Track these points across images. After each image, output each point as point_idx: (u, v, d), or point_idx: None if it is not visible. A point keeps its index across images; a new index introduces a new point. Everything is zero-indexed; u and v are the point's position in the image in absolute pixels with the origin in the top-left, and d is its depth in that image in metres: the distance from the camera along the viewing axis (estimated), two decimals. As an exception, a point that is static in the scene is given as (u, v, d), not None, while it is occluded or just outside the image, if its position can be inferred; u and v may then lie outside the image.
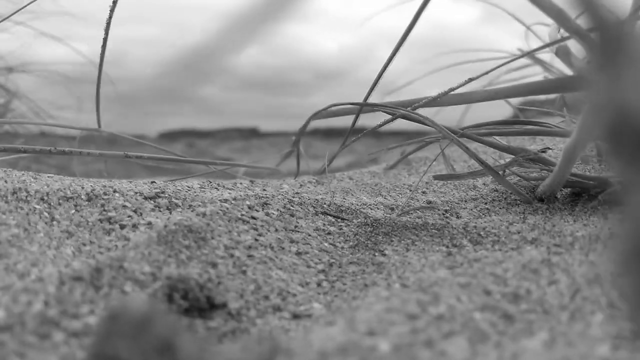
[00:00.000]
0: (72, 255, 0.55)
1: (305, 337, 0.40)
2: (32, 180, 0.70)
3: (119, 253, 0.51)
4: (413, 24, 0.71)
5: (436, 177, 0.81)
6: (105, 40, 0.82)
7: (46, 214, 0.62)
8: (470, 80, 0.72)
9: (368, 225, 0.69)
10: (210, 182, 0.86)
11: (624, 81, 0.24)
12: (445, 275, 0.51)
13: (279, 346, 0.38)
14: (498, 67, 0.73)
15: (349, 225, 0.69)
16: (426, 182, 0.95)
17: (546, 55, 1.33)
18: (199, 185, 0.81)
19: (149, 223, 0.62)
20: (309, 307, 0.50)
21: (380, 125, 0.79)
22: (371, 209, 0.76)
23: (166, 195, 0.70)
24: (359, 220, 0.70)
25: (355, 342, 0.37)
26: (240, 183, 0.90)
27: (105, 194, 0.68)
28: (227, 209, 0.65)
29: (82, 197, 0.67)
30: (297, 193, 0.79)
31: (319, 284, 0.56)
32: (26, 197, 0.63)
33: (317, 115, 0.86)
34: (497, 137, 0.79)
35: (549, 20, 0.72)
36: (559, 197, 0.74)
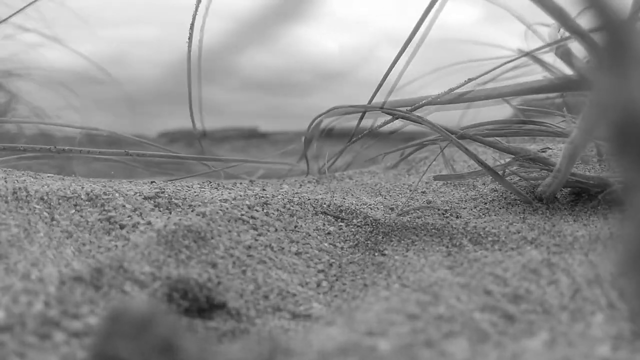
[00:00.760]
0: (72, 255, 0.55)
1: (304, 337, 0.40)
2: (32, 180, 0.70)
3: (119, 253, 0.51)
4: (419, 26, 0.72)
5: (436, 178, 0.81)
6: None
7: (46, 214, 0.62)
8: (470, 80, 0.72)
9: (368, 225, 0.69)
10: (210, 182, 0.86)
11: (628, 81, 0.24)
12: (445, 275, 0.51)
13: (278, 346, 0.38)
14: (498, 67, 0.73)
15: (348, 225, 0.70)
16: (426, 182, 0.95)
17: (547, 57, 1.33)
18: (199, 185, 0.81)
19: (149, 223, 0.62)
20: (309, 307, 0.50)
21: (380, 127, 0.79)
22: (371, 209, 0.76)
23: (166, 195, 0.70)
24: (359, 220, 0.70)
25: (354, 342, 0.37)
26: (240, 183, 0.90)
27: (105, 193, 0.68)
28: (227, 208, 0.65)
29: (82, 197, 0.67)
30: (297, 193, 0.79)
31: (318, 284, 0.56)
32: (26, 197, 0.63)
33: (327, 113, 0.85)
34: (497, 138, 0.79)
35: (550, 20, 0.72)
36: (559, 197, 0.74)
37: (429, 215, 0.73)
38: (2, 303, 0.40)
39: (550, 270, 0.48)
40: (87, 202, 0.66)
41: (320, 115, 0.85)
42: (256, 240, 0.61)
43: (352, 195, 0.86)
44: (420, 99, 0.75)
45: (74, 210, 0.64)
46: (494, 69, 0.73)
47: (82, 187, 0.69)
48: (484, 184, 0.88)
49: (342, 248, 0.64)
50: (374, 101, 0.79)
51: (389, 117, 0.78)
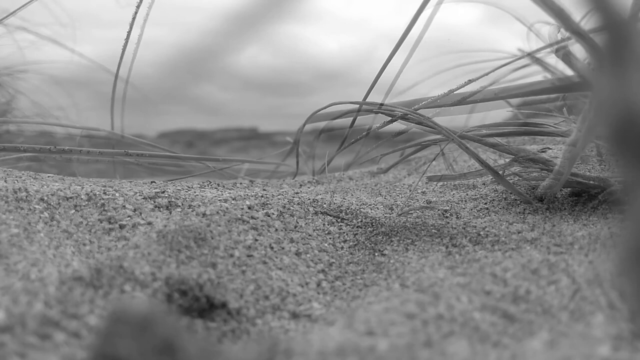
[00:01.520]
0: (72, 256, 0.55)
1: (304, 337, 0.40)
2: (32, 180, 0.70)
3: (119, 253, 0.51)
4: (411, 25, 0.71)
5: (430, 179, 0.81)
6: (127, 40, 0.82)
7: (46, 214, 0.62)
8: (470, 82, 0.72)
9: (368, 225, 0.69)
10: (210, 182, 0.86)
11: (628, 81, 0.24)
12: (445, 275, 0.51)
13: (278, 346, 0.38)
14: (498, 68, 0.73)
15: (348, 225, 0.70)
16: (426, 182, 0.95)
17: (548, 58, 1.33)
18: (199, 185, 0.81)
19: (149, 223, 0.62)
20: (309, 307, 0.50)
21: (380, 127, 0.79)
22: (371, 208, 0.76)
23: (166, 195, 0.70)
24: (359, 220, 0.70)
25: (354, 342, 0.37)
26: (240, 183, 0.90)
27: (105, 194, 0.68)
28: (227, 209, 0.65)
29: (82, 197, 0.67)
30: (296, 193, 0.79)
31: (318, 284, 0.56)
32: (26, 197, 0.63)
33: (317, 116, 0.86)
34: (497, 138, 0.79)
35: (551, 20, 0.72)
36: (559, 197, 0.74)
37: (429, 215, 0.73)
38: (2, 303, 0.40)
39: (550, 270, 0.48)
40: (87, 203, 0.66)
41: (317, 111, 0.85)
42: (256, 240, 0.61)
43: (352, 195, 0.86)
44: (421, 100, 0.75)
45: (74, 211, 0.64)
46: (494, 70, 0.73)
47: (82, 188, 0.69)
48: (484, 184, 0.88)
49: (342, 248, 0.64)
50: (372, 102, 0.79)
51: (388, 118, 0.78)
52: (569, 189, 0.75)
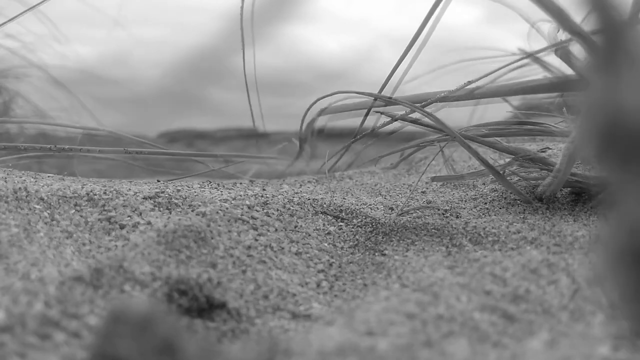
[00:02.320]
0: (72, 255, 0.55)
1: (304, 337, 0.40)
2: (32, 180, 0.70)
3: (119, 253, 0.51)
4: (424, 26, 0.71)
5: (434, 179, 0.81)
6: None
7: (46, 214, 0.62)
8: (470, 83, 0.72)
9: (368, 225, 0.69)
10: (210, 182, 0.86)
11: (619, 82, 0.24)
12: (445, 275, 0.51)
13: (278, 346, 0.38)
14: (499, 69, 0.73)
15: (348, 225, 0.70)
16: (426, 182, 0.95)
17: (549, 57, 1.33)
18: (199, 185, 0.81)
19: (149, 223, 0.62)
20: (309, 307, 0.50)
21: (382, 126, 0.79)
22: (371, 209, 0.76)
23: (166, 195, 0.70)
24: (359, 220, 0.70)
25: (354, 342, 0.37)
26: (240, 183, 0.90)
27: (105, 193, 0.68)
28: (227, 208, 0.65)
29: (82, 197, 0.67)
30: (297, 193, 0.79)
31: (318, 284, 0.56)
32: (26, 197, 0.63)
33: (329, 109, 0.85)
34: (496, 138, 0.79)
35: (550, 20, 0.72)
36: (559, 197, 0.74)
37: (429, 215, 0.73)
38: (2, 303, 0.40)
39: (550, 270, 0.48)
40: (87, 202, 0.66)
41: (321, 98, 0.84)
42: (256, 240, 0.61)
43: (352, 195, 0.86)
44: (428, 96, 0.75)
45: (74, 210, 0.64)
46: (495, 70, 0.73)
47: (82, 187, 0.69)
48: (484, 184, 0.88)
49: (342, 248, 0.64)
50: (371, 93, 0.79)
51: (388, 118, 0.78)
52: (569, 189, 0.75)
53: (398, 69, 0.75)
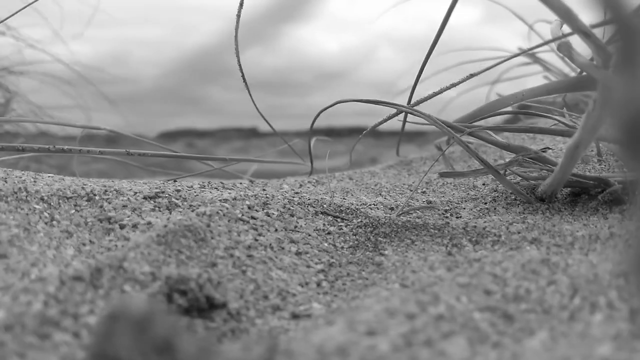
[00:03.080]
0: (72, 255, 0.55)
1: (304, 337, 0.40)
2: (32, 180, 0.70)
3: (119, 253, 0.51)
4: (441, 30, 0.72)
5: (442, 175, 0.81)
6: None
7: (46, 214, 0.62)
8: (472, 76, 0.72)
9: (368, 225, 0.69)
10: (210, 182, 0.86)
11: (638, 79, 0.24)
12: (445, 275, 0.51)
13: (278, 346, 0.38)
14: (498, 63, 0.73)
15: (348, 225, 0.70)
16: (426, 182, 0.95)
17: (547, 55, 1.33)
18: (199, 185, 0.81)
19: (149, 223, 0.62)
20: (309, 307, 0.50)
21: (381, 123, 0.79)
22: (371, 209, 0.76)
23: (166, 195, 0.70)
24: (359, 220, 0.70)
25: (354, 342, 0.37)
26: (240, 183, 0.90)
27: (105, 193, 0.68)
28: (227, 209, 0.65)
29: (82, 197, 0.67)
30: (297, 193, 0.79)
31: (318, 284, 0.56)
32: (26, 197, 0.63)
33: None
34: (496, 137, 0.79)
35: (550, 20, 0.72)
36: (559, 197, 0.74)
37: (429, 215, 0.73)
38: (2, 303, 0.40)
39: (550, 270, 0.48)
40: (87, 202, 0.66)
41: (325, 109, 0.84)
42: (256, 240, 0.61)
43: (352, 195, 0.86)
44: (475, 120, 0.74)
45: (74, 211, 0.64)
46: (494, 65, 0.73)
47: (82, 187, 0.69)
48: (484, 184, 0.88)
49: (342, 248, 0.64)
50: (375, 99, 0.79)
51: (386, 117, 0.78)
52: (569, 189, 0.75)
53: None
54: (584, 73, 0.66)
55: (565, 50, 0.63)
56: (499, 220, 0.67)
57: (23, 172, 0.78)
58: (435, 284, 0.48)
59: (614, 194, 0.70)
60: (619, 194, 0.69)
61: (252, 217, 0.65)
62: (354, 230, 0.68)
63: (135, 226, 0.62)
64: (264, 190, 0.80)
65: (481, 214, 0.73)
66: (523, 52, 0.83)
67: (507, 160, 0.78)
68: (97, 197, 0.67)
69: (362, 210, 0.74)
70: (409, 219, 0.70)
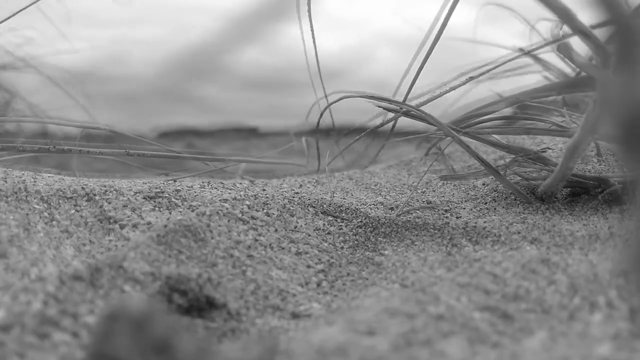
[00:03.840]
0: (71, 255, 0.55)
1: (304, 337, 0.40)
2: (32, 180, 0.70)
3: (118, 253, 0.51)
4: (441, 31, 0.72)
5: (441, 178, 0.81)
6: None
7: (46, 214, 0.62)
8: (471, 79, 0.72)
9: (368, 225, 0.69)
10: (210, 182, 0.86)
11: (637, 78, 0.24)
12: (445, 275, 0.51)
13: (278, 346, 0.38)
14: (498, 65, 0.73)
15: (348, 225, 0.69)
16: (426, 182, 0.95)
17: (547, 55, 1.33)
18: (199, 185, 0.81)
19: (149, 223, 0.62)
20: (309, 307, 0.50)
21: (382, 125, 0.79)
22: (371, 209, 0.76)
23: (166, 195, 0.70)
24: (359, 220, 0.70)
25: (354, 342, 0.37)
26: (240, 183, 0.90)
27: (105, 193, 0.68)
28: (227, 209, 0.65)
29: (82, 197, 0.67)
30: (297, 193, 0.79)
31: (318, 284, 0.56)
32: (26, 197, 0.63)
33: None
34: (496, 137, 0.79)
35: (549, 19, 0.72)
36: (559, 197, 0.74)
37: (429, 215, 0.73)
38: (2, 302, 0.40)
39: (550, 270, 0.48)
40: (87, 202, 0.66)
41: (331, 104, 0.84)
42: (256, 240, 0.61)
43: (352, 195, 0.86)
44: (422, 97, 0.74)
45: (74, 210, 0.64)
46: (494, 67, 0.73)
47: (82, 187, 0.69)
48: (484, 184, 0.88)
49: (342, 248, 0.64)
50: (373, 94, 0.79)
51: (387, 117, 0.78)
52: (569, 189, 0.75)
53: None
54: (584, 73, 0.66)
55: (565, 51, 0.63)
56: (499, 220, 0.67)
57: (23, 172, 0.78)
58: (435, 284, 0.48)
59: (614, 193, 0.70)
60: (619, 193, 0.69)
61: (252, 217, 0.65)
62: (354, 230, 0.68)
63: (135, 226, 0.62)
64: (264, 190, 0.80)
65: (481, 214, 0.73)
66: (523, 54, 0.83)
67: (507, 160, 0.78)
68: (97, 197, 0.67)
69: (362, 210, 0.74)
70: (409, 219, 0.70)
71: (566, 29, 0.62)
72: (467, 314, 0.41)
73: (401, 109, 0.74)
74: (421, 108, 0.74)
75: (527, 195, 0.74)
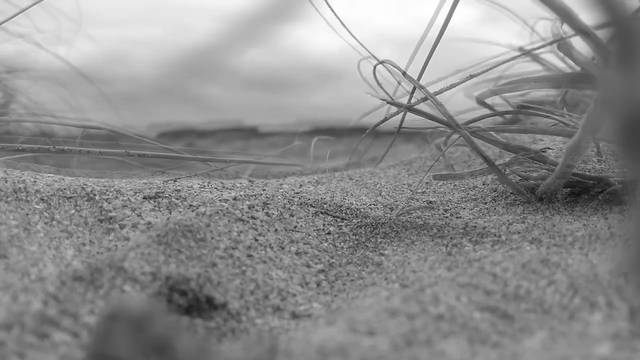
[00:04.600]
0: (72, 255, 0.55)
1: (305, 337, 0.40)
2: (32, 180, 0.70)
3: (119, 253, 0.51)
4: (444, 29, 0.72)
5: (435, 177, 0.81)
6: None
7: (46, 214, 0.62)
8: (472, 77, 0.72)
9: (368, 225, 0.69)
10: (210, 182, 0.86)
11: (636, 78, 0.24)
12: (445, 275, 0.51)
13: (278, 346, 0.38)
14: (497, 65, 0.73)
15: (348, 225, 0.69)
16: (426, 182, 0.95)
17: (547, 55, 1.33)
18: (199, 185, 0.81)
19: (149, 223, 0.62)
20: (309, 307, 0.50)
21: (385, 120, 0.79)
22: (371, 208, 0.76)
23: (166, 195, 0.70)
24: (359, 220, 0.70)
25: (354, 342, 0.37)
26: (240, 183, 0.90)
27: (105, 193, 0.68)
28: (227, 209, 0.65)
29: (82, 197, 0.67)
30: (297, 193, 0.79)
31: (318, 284, 0.56)
32: (26, 197, 0.63)
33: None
34: (496, 136, 0.79)
35: (549, 19, 0.72)
36: (559, 197, 0.74)
37: (429, 215, 0.73)
38: (2, 302, 0.40)
39: (550, 270, 0.48)
40: (87, 202, 0.66)
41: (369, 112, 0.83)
42: (256, 240, 0.61)
43: (352, 195, 0.86)
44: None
45: (74, 210, 0.64)
46: (494, 67, 0.73)
47: (82, 187, 0.69)
48: (484, 184, 0.88)
49: (342, 248, 0.64)
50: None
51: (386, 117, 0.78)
52: (569, 189, 0.75)
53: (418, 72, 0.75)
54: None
55: (566, 49, 0.63)
56: (499, 220, 0.67)
57: (23, 172, 0.78)
58: (435, 284, 0.48)
59: (614, 193, 0.70)
60: (619, 193, 0.69)
61: (252, 217, 0.65)
62: (354, 230, 0.68)
63: (135, 226, 0.62)
64: (264, 190, 0.80)
65: (481, 214, 0.73)
66: (523, 53, 0.83)
67: (507, 159, 0.78)
68: (97, 197, 0.67)
69: (362, 210, 0.74)
70: (409, 219, 0.70)
71: (566, 28, 0.62)
72: (467, 314, 0.41)
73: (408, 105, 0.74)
74: (421, 107, 0.74)
75: (527, 195, 0.74)
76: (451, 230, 0.65)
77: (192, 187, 0.78)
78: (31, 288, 0.42)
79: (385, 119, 0.79)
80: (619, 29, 0.24)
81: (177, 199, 0.69)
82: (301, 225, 0.67)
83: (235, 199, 0.69)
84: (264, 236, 0.62)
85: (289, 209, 0.70)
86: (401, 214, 0.73)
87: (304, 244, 0.63)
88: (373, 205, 0.78)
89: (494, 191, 0.82)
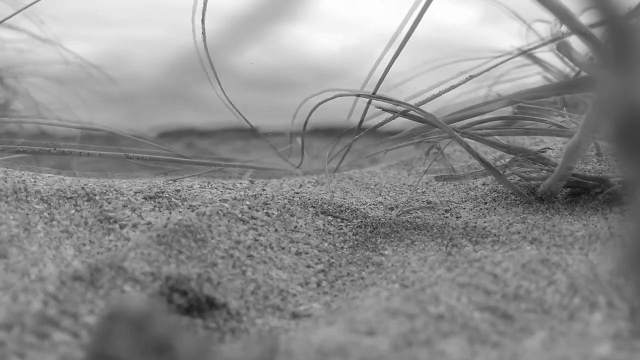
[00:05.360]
0: (72, 255, 0.55)
1: (304, 337, 0.40)
2: (32, 180, 0.70)
3: (119, 253, 0.51)
4: (416, 25, 0.71)
5: (437, 179, 0.81)
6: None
7: (46, 214, 0.62)
8: (471, 77, 0.72)
9: (368, 225, 0.69)
10: (210, 183, 0.86)
11: (632, 79, 0.24)
12: (445, 275, 0.51)
13: (278, 346, 0.38)
14: (497, 65, 0.73)
15: (348, 225, 0.69)
16: (426, 182, 0.95)
17: (546, 55, 1.33)
18: (199, 185, 0.81)
19: (149, 223, 0.62)
20: (309, 307, 0.50)
21: (382, 124, 0.79)
22: (371, 209, 0.76)
23: (166, 195, 0.70)
24: (359, 220, 0.70)
25: (354, 342, 0.37)
26: (240, 183, 0.90)
27: (105, 193, 0.68)
28: (227, 209, 0.65)
29: (82, 197, 0.67)
30: (297, 193, 0.79)
31: (318, 284, 0.56)
32: (26, 197, 0.63)
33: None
34: (496, 137, 0.79)
35: (548, 19, 0.72)
36: (559, 197, 0.74)
37: (429, 215, 0.73)
38: (2, 302, 0.40)
39: (550, 270, 0.48)
40: (87, 202, 0.66)
41: (310, 97, 0.83)
42: (256, 240, 0.61)
43: (352, 195, 0.86)
44: (421, 96, 0.74)
45: (74, 211, 0.64)
46: (493, 67, 0.73)
47: (82, 187, 0.69)
48: (484, 184, 0.88)
49: (342, 248, 0.64)
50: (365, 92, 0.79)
51: (387, 116, 0.78)
52: (569, 189, 0.75)
53: (396, 68, 0.75)
54: (584, 72, 0.66)
55: (565, 50, 0.63)
56: (499, 220, 0.67)
57: (23, 172, 0.78)
58: (435, 284, 0.48)
59: (614, 193, 0.70)
60: (619, 193, 0.69)
61: (252, 217, 0.65)
62: (354, 230, 0.68)
63: (135, 226, 0.62)
64: (263, 190, 0.80)
65: (481, 214, 0.73)
66: (522, 53, 0.83)
67: (507, 160, 0.78)
68: (97, 197, 0.67)
69: (362, 210, 0.74)
70: (408, 219, 0.70)
71: (565, 28, 0.62)
72: (467, 314, 0.41)
73: (405, 109, 0.74)
74: (421, 107, 0.74)
75: (527, 195, 0.74)
76: (451, 231, 0.65)
77: (192, 187, 0.78)
78: (31, 288, 0.42)
79: (381, 123, 0.79)
80: (615, 29, 0.24)
81: (177, 199, 0.69)
82: (301, 226, 0.67)
83: (235, 199, 0.69)
84: (264, 236, 0.62)
85: (289, 209, 0.70)
86: (401, 214, 0.73)
87: (304, 244, 0.63)
88: (373, 205, 0.78)
89: (494, 191, 0.82)
